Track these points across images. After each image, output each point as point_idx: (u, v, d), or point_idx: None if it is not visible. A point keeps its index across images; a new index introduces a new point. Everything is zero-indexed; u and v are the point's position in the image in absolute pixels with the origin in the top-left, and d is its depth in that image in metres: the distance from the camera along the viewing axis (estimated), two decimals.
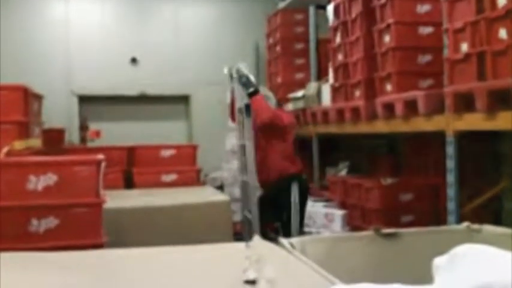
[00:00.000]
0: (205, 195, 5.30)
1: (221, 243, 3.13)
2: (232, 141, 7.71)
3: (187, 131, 9.43)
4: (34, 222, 3.48)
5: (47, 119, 5.89)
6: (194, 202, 4.67)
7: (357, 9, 5.83)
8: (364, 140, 6.84)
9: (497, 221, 4.73)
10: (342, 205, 5.76)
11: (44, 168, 3.51)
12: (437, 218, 4.84)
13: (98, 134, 8.18)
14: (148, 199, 4.82)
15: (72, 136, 8.29)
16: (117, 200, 4.38)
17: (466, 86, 4.08)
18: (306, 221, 5.25)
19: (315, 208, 5.54)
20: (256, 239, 2.92)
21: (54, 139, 6.64)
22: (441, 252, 3.00)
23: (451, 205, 4.23)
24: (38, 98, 5.16)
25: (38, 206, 3.49)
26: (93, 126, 8.44)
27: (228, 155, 7.77)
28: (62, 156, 4.16)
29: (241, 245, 2.86)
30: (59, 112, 8.24)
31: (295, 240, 2.90)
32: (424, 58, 5.14)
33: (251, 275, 2.24)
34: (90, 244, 3.46)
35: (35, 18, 8.89)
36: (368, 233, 3.04)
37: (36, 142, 4.97)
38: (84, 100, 8.99)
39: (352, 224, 5.46)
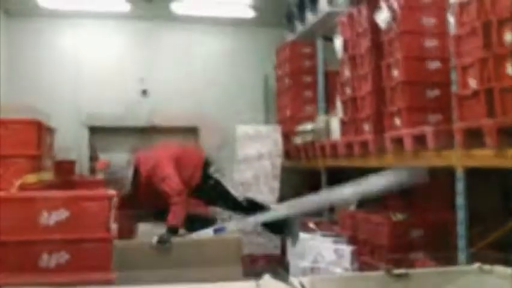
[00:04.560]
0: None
1: (231, 280, 3.11)
2: (241, 173, 7.74)
3: None
4: (45, 256, 3.50)
5: (57, 150, 5.94)
6: (204, 238, 4.66)
7: (365, 43, 5.89)
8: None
9: (507, 260, 4.69)
10: (352, 240, 5.73)
11: (56, 204, 3.54)
12: (448, 255, 4.80)
13: (106, 164, 8.19)
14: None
15: (82, 167, 8.33)
16: None
17: (475, 122, 4.09)
18: (316, 256, 5.26)
19: (324, 243, 5.52)
20: (267, 277, 2.92)
21: (65, 171, 6.69)
22: None
23: (461, 243, 4.21)
24: (51, 131, 5.21)
25: (49, 240, 3.51)
26: (103, 157, 8.48)
27: (236, 187, 7.78)
28: (73, 192, 4.19)
29: (250, 283, 2.86)
30: (68, 143, 8.29)
31: (305, 279, 2.88)
32: (433, 93, 5.17)
33: None
34: (100, 280, 3.47)
35: (44, 49, 9.03)
36: (379, 273, 3.03)
37: (48, 175, 5.01)
38: (94, 131, 9.05)
39: (362, 260, 5.42)
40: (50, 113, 6.24)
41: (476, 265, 3.13)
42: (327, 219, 6.81)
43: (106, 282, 3.52)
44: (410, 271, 3.03)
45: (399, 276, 3.00)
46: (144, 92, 9.22)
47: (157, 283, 2.95)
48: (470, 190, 4.37)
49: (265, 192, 7.67)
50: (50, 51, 9.05)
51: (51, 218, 3.52)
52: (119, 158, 7.64)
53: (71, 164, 7.03)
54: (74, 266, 3.55)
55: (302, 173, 8.40)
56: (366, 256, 5.48)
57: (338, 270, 5.10)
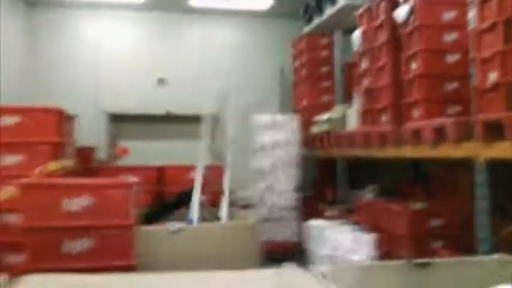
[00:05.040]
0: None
1: (249, 268, 3.14)
2: (259, 161, 7.78)
3: (213, 150, 9.47)
4: (68, 243, 3.55)
5: (77, 137, 6.01)
6: (222, 224, 4.70)
7: (383, 36, 5.87)
8: (392, 164, 6.83)
9: None
10: (370, 229, 5.73)
11: (79, 191, 3.59)
12: (469, 245, 4.80)
13: (125, 151, 8.27)
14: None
15: (101, 154, 8.40)
16: None
17: (495, 115, 4.07)
18: (334, 244, 5.30)
19: (343, 231, 5.52)
20: (288, 266, 2.95)
21: (85, 157, 6.75)
22: (474, 283, 3.01)
23: (482, 233, 4.20)
24: (71, 118, 5.28)
25: (72, 227, 3.56)
26: (121, 144, 8.58)
27: (254, 175, 7.82)
28: (96, 179, 4.24)
29: (272, 272, 2.90)
30: (87, 130, 8.36)
31: (325, 268, 2.92)
32: (451, 85, 5.15)
33: None
34: (122, 266, 3.52)
35: (65, 39, 9.11)
36: (400, 262, 3.05)
37: (69, 162, 5.08)
38: (113, 118, 9.13)
39: (380, 248, 5.42)
40: (70, 101, 6.30)
41: (497, 255, 3.15)
42: (343, 208, 6.82)
43: (128, 268, 3.57)
44: (431, 261, 3.05)
45: (420, 265, 3.02)
46: (161, 81, 9.27)
47: (178, 270, 3.00)
48: (489, 181, 4.36)
49: (283, 180, 7.69)
50: (70, 40, 9.13)
51: (74, 204, 3.57)
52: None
53: (91, 150, 7.09)
54: (96, 252, 3.60)
55: (319, 163, 8.43)
56: (384, 245, 5.48)
57: (357, 258, 5.10)
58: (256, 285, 2.67)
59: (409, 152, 5.39)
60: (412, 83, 5.31)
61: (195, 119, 9.42)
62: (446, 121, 4.72)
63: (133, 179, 3.71)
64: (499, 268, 3.04)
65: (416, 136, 5.16)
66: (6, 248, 4.24)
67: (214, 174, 6.25)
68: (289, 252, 6.78)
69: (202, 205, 5.12)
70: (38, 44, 8.93)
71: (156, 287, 2.72)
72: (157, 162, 7.32)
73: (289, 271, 2.89)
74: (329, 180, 7.56)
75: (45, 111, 4.71)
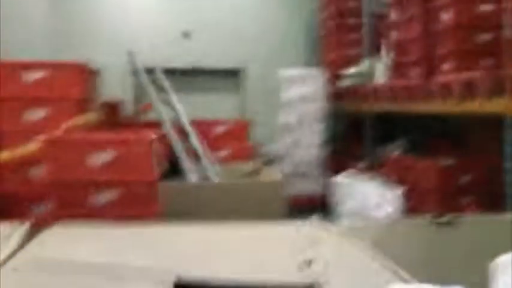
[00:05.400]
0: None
1: (276, 221, 3.12)
2: (285, 116, 7.72)
3: (240, 105, 9.45)
4: (92, 196, 3.60)
5: (102, 92, 6.02)
6: (247, 180, 4.69)
7: None
8: (421, 119, 6.70)
9: None
10: (397, 185, 5.67)
11: (102, 145, 3.61)
12: (497, 202, 4.71)
13: (149, 106, 8.25)
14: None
15: (127, 109, 8.43)
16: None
17: None
18: (361, 199, 5.27)
19: (370, 186, 5.48)
20: (312, 220, 2.92)
21: (110, 112, 6.78)
22: (500, 242, 2.95)
23: (510, 190, 4.11)
24: (96, 74, 5.27)
25: (96, 181, 3.60)
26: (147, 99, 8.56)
27: (280, 130, 7.78)
28: (119, 134, 4.26)
29: (292, 226, 2.88)
30: (115, 85, 8.38)
31: (347, 224, 2.89)
32: (484, 36, 4.95)
33: (307, 256, 2.26)
34: (145, 219, 3.55)
35: None
36: (424, 219, 2.99)
37: (94, 117, 5.10)
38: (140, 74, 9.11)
39: (407, 204, 5.38)
40: (96, 56, 6.29)
41: None
42: (369, 164, 6.74)
43: (151, 221, 3.59)
44: (457, 218, 2.99)
45: (445, 222, 2.96)
46: (187, 35, 9.18)
47: (201, 223, 3.01)
48: None
49: (309, 135, 7.64)
50: None
51: (98, 159, 3.60)
52: None
53: (117, 106, 7.11)
54: (119, 205, 3.64)
55: (346, 117, 8.32)
56: (411, 201, 5.43)
57: (383, 214, 5.07)
58: (274, 240, 2.65)
59: (437, 106, 5.26)
60: (443, 34, 5.13)
61: (222, 73, 9.42)
62: (476, 75, 4.57)
63: (154, 135, 3.71)
64: None
65: (446, 90, 5.02)
66: (33, 200, 4.32)
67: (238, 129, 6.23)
68: (315, 208, 6.77)
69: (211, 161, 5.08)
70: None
71: (186, 238, 2.73)
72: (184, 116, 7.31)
73: (309, 226, 2.87)
74: (356, 135, 7.46)
75: (71, 66, 4.71)
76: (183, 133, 5.12)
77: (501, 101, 4.23)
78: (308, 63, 8.97)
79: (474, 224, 3.04)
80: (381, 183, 5.56)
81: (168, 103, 5.69)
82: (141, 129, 4.80)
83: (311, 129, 7.63)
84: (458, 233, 2.95)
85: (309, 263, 2.19)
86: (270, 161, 7.47)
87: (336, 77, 7.91)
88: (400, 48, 6.00)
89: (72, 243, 2.47)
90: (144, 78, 5.53)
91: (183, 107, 8.36)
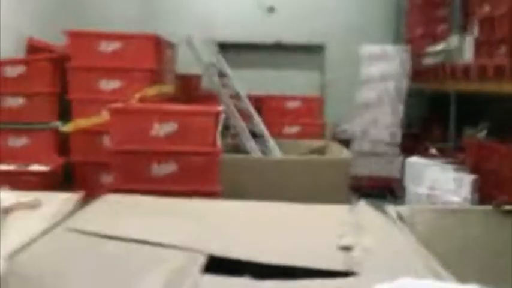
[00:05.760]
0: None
1: (331, 202, 3.05)
2: (364, 94, 7.52)
3: (320, 81, 9.30)
4: (155, 166, 3.67)
5: (185, 66, 6.10)
6: (312, 157, 4.62)
7: None
8: (508, 102, 6.28)
9: None
10: (475, 170, 5.38)
11: (165, 117, 3.66)
12: None
13: None
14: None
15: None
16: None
17: None
18: (433, 183, 5.04)
19: (443, 170, 5.23)
20: (362, 204, 2.84)
21: (190, 85, 6.89)
22: None
23: None
24: (171, 46, 5.35)
25: (158, 151, 3.67)
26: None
27: (358, 108, 7.58)
28: (183, 106, 4.30)
29: (345, 208, 2.80)
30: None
31: (403, 209, 2.77)
32: None
33: (346, 241, 2.19)
34: (206, 191, 3.59)
35: None
36: (486, 207, 2.81)
37: (168, 88, 5.19)
38: (222, 47, 9.18)
39: (484, 191, 5.08)
40: (179, 29, 6.38)
41: None
42: (452, 146, 6.42)
43: (212, 194, 3.63)
44: None
45: (508, 212, 2.76)
46: (271, 9, 9.10)
47: (258, 199, 3.00)
48: None
49: (388, 114, 7.39)
50: None
51: (161, 129, 3.66)
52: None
53: (196, 79, 7.20)
54: (181, 177, 3.69)
55: (429, 97, 7.97)
56: (489, 188, 5.13)
57: (456, 199, 4.83)
58: (319, 221, 2.59)
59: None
60: None
61: (304, 49, 9.29)
62: None
63: (219, 107, 3.71)
64: None
65: None
66: (101, 170, 4.49)
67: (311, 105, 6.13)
68: (389, 189, 6.59)
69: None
70: None
71: (235, 214, 2.74)
72: (265, 92, 7.31)
73: (361, 208, 2.78)
74: (439, 116, 7.13)
75: (143, 37, 4.80)
76: (244, 112, 5.11)
77: None
78: (392, 40, 8.64)
79: None
80: (456, 167, 5.29)
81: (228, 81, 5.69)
82: (211, 103, 4.82)
83: (391, 108, 7.38)
84: None
85: (349, 248, 2.13)
86: (345, 139, 7.33)
87: (420, 54, 7.57)
88: (490, 24, 5.62)
89: (115, 216, 2.54)
90: (204, 63, 5.54)
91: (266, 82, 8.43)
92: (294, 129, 6.04)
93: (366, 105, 7.48)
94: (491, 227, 2.76)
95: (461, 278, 2.28)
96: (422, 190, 5.28)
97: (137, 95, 4.52)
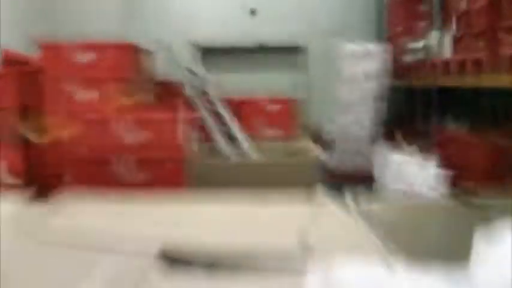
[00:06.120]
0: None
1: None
2: (345, 93, 7.53)
3: (302, 82, 9.28)
4: (122, 174, 3.69)
5: (167, 73, 6.11)
6: (282, 160, 4.63)
7: None
8: (487, 96, 6.30)
9: None
10: (449, 163, 5.39)
11: (133, 124, 3.69)
12: None
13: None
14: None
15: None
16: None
17: None
18: (407, 179, 5.06)
19: (420, 167, 5.24)
20: (324, 197, 2.87)
21: (171, 92, 6.85)
22: None
23: None
24: (148, 53, 5.36)
25: (126, 158, 3.69)
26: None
27: (341, 107, 7.60)
28: (150, 113, 4.32)
29: (306, 201, 2.83)
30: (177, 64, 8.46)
31: (367, 204, 2.79)
32: None
33: (303, 233, 2.23)
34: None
35: None
36: (449, 201, 2.82)
37: (146, 97, 5.20)
38: (203, 52, 9.20)
39: (456, 184, 5.10)
40: (160, 35, 6.39)
41: None
42: (427, 142, 6.44)
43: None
44: (482, 201, 2.80)
45: (471, 205, 2.78)
46: (253, 12, 9.12)
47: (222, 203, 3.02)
48: None
49: (370, 112, 7.42)
50: None
51: (128, 137, 3.68)
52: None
53: (178, 85, 7.18)
54: (149, 183, 3.71)
55: (412, 93, 7.98)
56: (461, 180, 5.14)
57: (432, 194, 4.84)
58: (283, 213, 2.62)
59: (505, 81, 4.92)
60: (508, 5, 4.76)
61: (285, 50, 9.27)
62: None
63: (184, 114, 3.73)
64: None
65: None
66: (72, 179, 4.49)
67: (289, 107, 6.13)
68: (368, 186, 6.60)
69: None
70: None
71: (198, 205, 2.76)
72: (247, 94, 7.32)
73: (326, 202, 2.81)
74: (421, 112, 7.14)
75: (119, 47, 4.81)
76: (218, 115, 5.12)
77: None
78: (374, 38, 8.64)
79: (503, 207, 2.83)
80: (430, 162, 5.30)
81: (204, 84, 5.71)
82: (185, 110, 4.82)
83: (372, 106, 7.41)
84: (485, 216, 2.76)
85: (304, 239, 2.16)
86: (327, 139, 7.35)
87: (401, 51, 7.58)
88: (467, 19, 5.66)
89: (75, 213, 2.55)
90: (183, 70, 5.56)
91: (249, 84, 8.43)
92: (273, 131, 6.06)
93: (348, 104, 7.50)
94: (455, 219, 2.79)
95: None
96: (398, 186, 5.29)
97: (113, 105, 4.53)
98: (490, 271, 1.47)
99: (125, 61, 4.75)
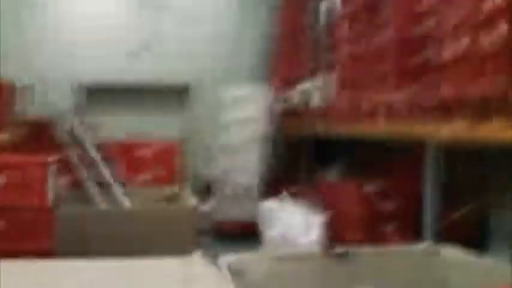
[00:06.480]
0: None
1: (180, 252, 2.92)
2: (223, 137, 7.54)
3: (185, 124, 9.20)
4: None
5: (41, 110, 5.77)
6: (158, 207, 4.49)
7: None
8: (357, 142, 6.55)
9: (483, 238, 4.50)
10: (327, 210, 5.50)
11: None
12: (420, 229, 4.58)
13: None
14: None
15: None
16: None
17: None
18: (284, 226, 5.10)
19: (293, 212, 5.31)
20: (196, 256, 2.76)
21: (42, 132, 6.47)
22: (395, 273, 2.80)
23: (426, 219, 3.97)
24: (12, 90, 5.02)
25: None
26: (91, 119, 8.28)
27: (220, 151, 7.59)
28: (11, 156, 4.00)
29: (179, 260, 2.71)
30: (55, 102, 8.08)
31: (234, 259, 2.71)
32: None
33: None
34: (37, 249, 3.32)
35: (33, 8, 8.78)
36: (317, 252, 2.83)
37: (5, 136, 4.82)
38: (82, 91, 8.88)
39: (331, 230, 5.20)
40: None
41: (424, 245, 2.93)
42: (307, 188, 6.57)
43: (45, 252, 3.36)
44: (351, 250, 2.83)
45: (338, 255, 2.80)
46: (136, 54, 8.94)
47: (104, 253, 2.81)
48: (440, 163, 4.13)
49: (249, 157, 7.46)
50: (40, 9, 8.82)
51: None
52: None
53: (48, 124, 6.79)
54: (10, 234, 3.39)
55: (288, 139, 8.17)
56: (338, 227, 5.26)
57: (306, 240, 4.90)
58: (154, 273, 2.48)
59: (365, 128, 5.14)
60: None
61: (167, 92, 9.17)
62: (397, 97, 4.46)
63: (50, 158, 3.47)
64: (424, 258, 2.82)
65: (372, 112, 4.92)
66: None
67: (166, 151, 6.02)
68: (248, 233, 6.57)
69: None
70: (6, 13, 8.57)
71: (67, 273, 2.53)
72: (127, 136, 7.11)
73: (195, 261, 2.69)
74: (297, 159, 7.31)
75: None
76: (90, 158, 4.87)
77: (422, 127, 4.11)
78: (259, 81, 8.70)
79: (370, 256, 2.89)
80: (307, 208, 5.40)
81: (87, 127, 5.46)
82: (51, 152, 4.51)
83: (251, 151, 7.47)
84: (352, 265, 2.79)
85: None
86: (205, 184, 7.28)
87: (281, 97, 7.73)
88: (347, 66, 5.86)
89: None
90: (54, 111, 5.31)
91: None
92: (148, 176, 5.88)
93: (226, 148, 7.51)
94: (324, 269, 2.78)
95: None
96: (275, 233, 5.31)
97: None
98: None
99: None
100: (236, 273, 2.56)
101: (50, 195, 3.48)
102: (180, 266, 2.57)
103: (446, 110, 3.89)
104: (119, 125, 8.27)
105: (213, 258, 2.72)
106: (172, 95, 9.19)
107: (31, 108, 6.51)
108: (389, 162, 5.88)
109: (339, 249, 2.82)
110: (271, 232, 5.37)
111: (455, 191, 4.47)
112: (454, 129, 3.77)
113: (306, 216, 5.17)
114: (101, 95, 8.89)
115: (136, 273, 2.56)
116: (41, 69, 8.13)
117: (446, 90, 3.86)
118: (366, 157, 6.62)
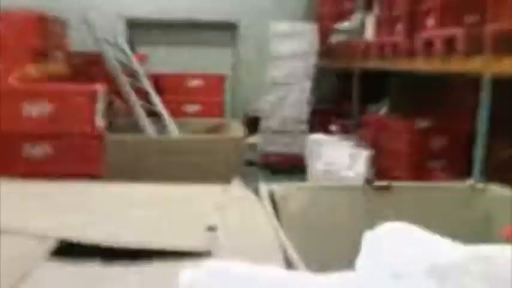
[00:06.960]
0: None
1: (225, 180, 2.95)
2: (273, 72, 7.48)
3: (232, 59, 9.18)
4: (27, 148, 3.46)
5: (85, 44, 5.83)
6: (204, 137, 4.52)
7: None
8: (408, 77, 6.39)
9: None
10: (373, 145, 5.44)
11: (38, 97, 3.45)
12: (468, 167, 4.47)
13: (142, 57, 8.02)
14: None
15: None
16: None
17: (506, 25, 3.59)
18: (330, 159, 5.06)
19: (340, 146, 5.27)
20: (236, 184, 2.78)
21: (90, 64, 6.57)
22: (436, 210, 2.75)
23: (476, 157, 3.86)
24: (60, 23, 5.06)
25: (31, 133, 3.46)
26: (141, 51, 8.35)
27: (268, 86, 7.54)
28: (59, 85, 4.07)
29: (218, 188, 2.74)
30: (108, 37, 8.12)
31: (277, 188, 2.71)
32: None
33: (212, 221, 2.13)
34: (86, 173, 3.42)
35: None
36: (359, 184, 2.81)
37: (57, 67, 4.92)
38: (132, 25, 8.90)
39: (381, 166, 5.15)
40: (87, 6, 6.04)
41: (469, 183, 2.85)
42: (351, 123, 6.50)
43: (93, 175, 3.46)
44: (392, 183, 2.80)
45: (380, 188, 2.77)
46: None
47: (150, 179, 2.89)
48: (498, 101, 3.95)
49: (296, 92, 7.40)
50: None
51: (33, 110, 3.44)
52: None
53: (98, 57, 6.88)
54: (58, 158, 3.50)
55: (336, 74, 8.04)
56: (383, 163, 5.20)
57: (351, 174, 4.87)
58: (195, 199, 2.53)
59: (420, 65, 4.96)
60: None
61: (216, 26, 9.12)
62: (456, 31, 4.25)
63: (97, 86, 3.52)
64: (468, 195, 2.76)
65: (428, 47, 4.72)
66: None
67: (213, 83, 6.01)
68: (295, 166, 6.60)
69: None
70: None
71: (108, 196, 2.61)
72: (177, 69, 7.12)
73: (237, 188, 2.71)
74: (345, 93, 7.20)
75: (24, 15, 4.49)
76: (140, 89, 4.92)
77: (479, 60, 3.93)
78: (302, 17, 8.60)
79: (411, 190, 2.84)
80: (352, 143, 5.34)
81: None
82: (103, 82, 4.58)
83: (299, 86, 7.38)
84: (393, 199, 2.76)
85: (213, 228, 2.06)
86: (254, 118, 7.28)
87: (328, 31, 7.58)
88: (389, 1, 5.67)
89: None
90: (104, 44, 5.30)
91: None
92: (195, 108, 5.91)
93: (275, 83, 7.45)
94: (364, 201, 2.77)
95: (326, 255, 2.27)
96: (320, 167, 5.29)
97: (17, 75, 4.23)
98: (370, 267, 1.42)
99: (31, 30, 4.45)
100: (276, 201, 2.58)
101: (99, 123, 3.55)
102: (221, 193, 2.60)
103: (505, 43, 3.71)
104: (169, 59, 8.32)
105: (255, 187, 2.74)
106: (222, 31, 9.11)
107: (83, 42, 6.56)
108: (440, 99, 5.73)
109: (382, 183, 2.78)
110: (316, 165, 5.36)
111: (508, 130, 4.34)
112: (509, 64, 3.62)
113: (352, 150, 5.13)
114: (146, 28, 8.91)
115: (180, 198, 2.61)
116: (93, 4, 8.12)
117: (505, 24, 3.67)
118: (416, 93, 6.47)
